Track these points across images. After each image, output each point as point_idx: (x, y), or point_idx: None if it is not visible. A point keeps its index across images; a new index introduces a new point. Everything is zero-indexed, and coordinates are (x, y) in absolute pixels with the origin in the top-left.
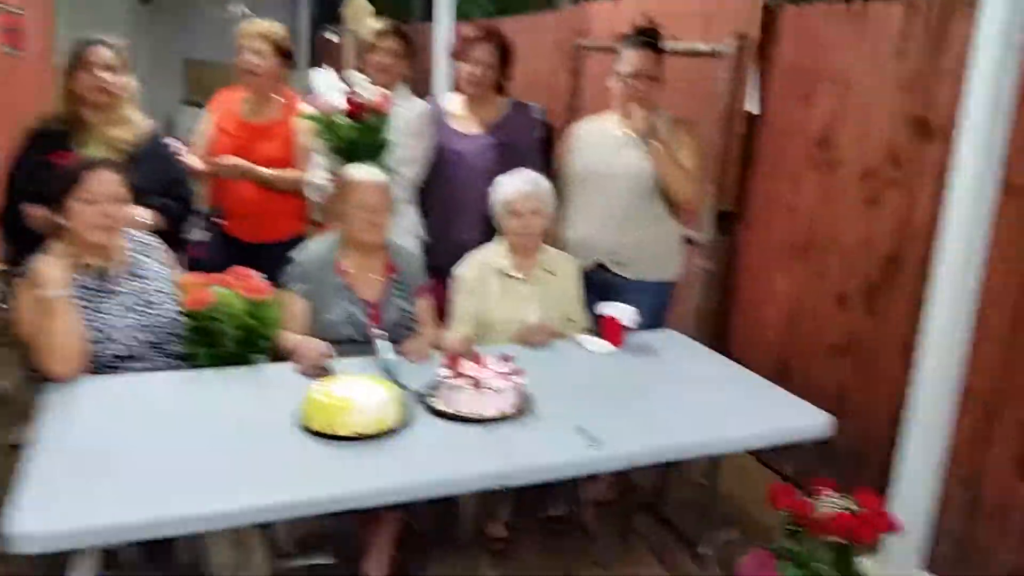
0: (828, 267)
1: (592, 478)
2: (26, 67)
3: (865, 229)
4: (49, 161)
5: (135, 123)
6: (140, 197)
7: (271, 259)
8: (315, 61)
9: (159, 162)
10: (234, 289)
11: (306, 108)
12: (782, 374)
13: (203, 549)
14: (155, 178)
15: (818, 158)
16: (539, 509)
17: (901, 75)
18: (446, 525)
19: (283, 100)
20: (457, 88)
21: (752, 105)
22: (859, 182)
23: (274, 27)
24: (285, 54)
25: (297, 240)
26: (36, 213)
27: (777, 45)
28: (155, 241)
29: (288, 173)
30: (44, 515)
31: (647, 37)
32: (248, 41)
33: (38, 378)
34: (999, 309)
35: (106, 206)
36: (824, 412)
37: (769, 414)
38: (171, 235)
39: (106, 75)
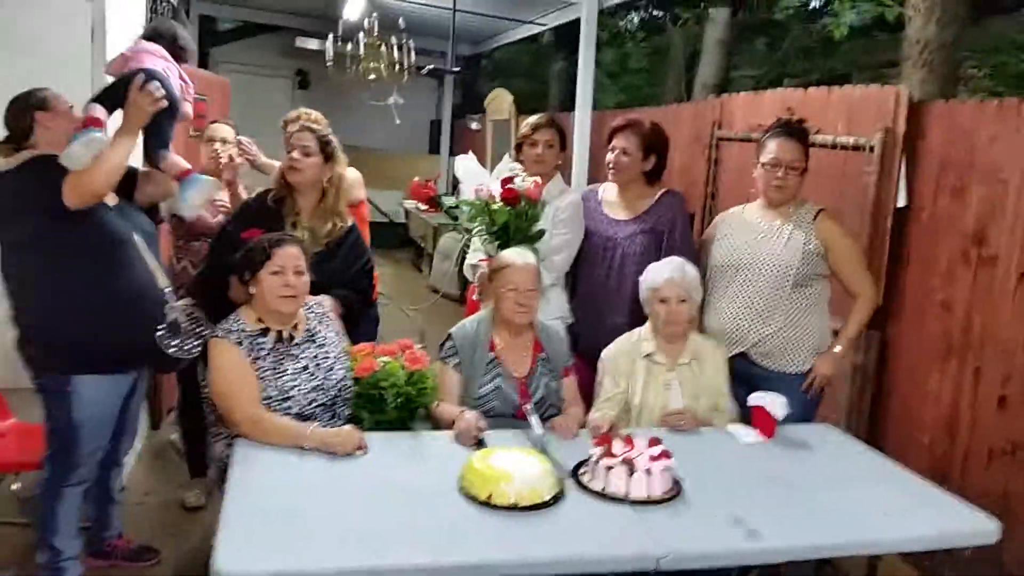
0: (987, 367)
1: (742, 572)
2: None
3: None
4: (240, 234)
5: (341, 215)
6: (327, 287)
7: None
8: (456, 148)
9: (351, 256)
10: (397, 359)
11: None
12: (940, 479)
13: None
14: (344, 270)
15: (972, 255)
16: None
17: None
18: None
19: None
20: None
21: (900, 199)
22: (1018, 281)
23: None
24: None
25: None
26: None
27: (924, 139)
28: (331, 311)
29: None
30: (244, 560)
31: (791, 129)
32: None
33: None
34: None
35: (290, 277)
36: (990, 518)
37: (930, 516)
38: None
39: (298, 156)
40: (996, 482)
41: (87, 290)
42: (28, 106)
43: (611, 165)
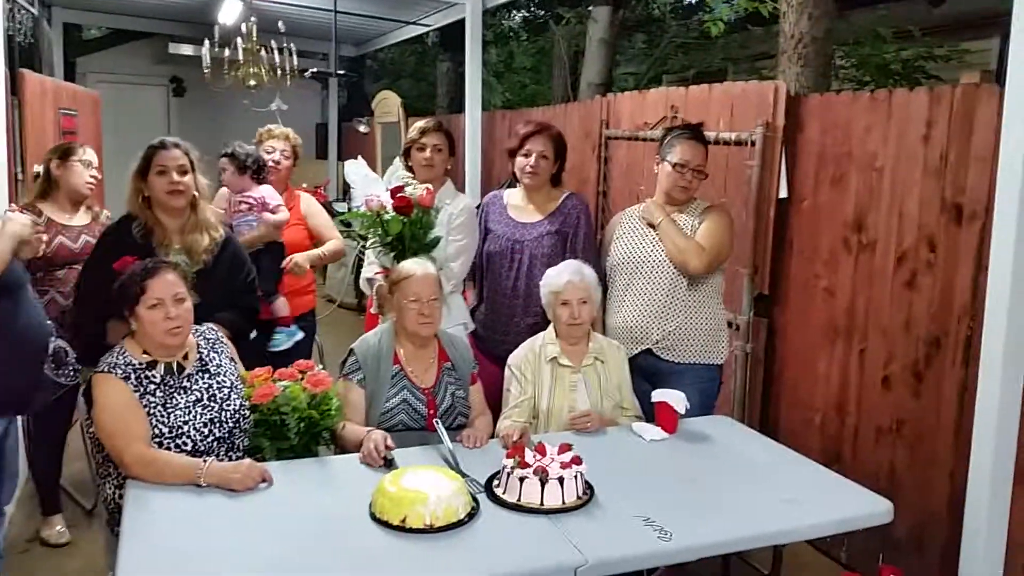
0: (871, 349)
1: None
2: None
3: (905, 311)
4: (113, 270)
5: (214, 226)
6: (209, 309)
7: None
8: (345, 152)
9: (234, 267)
10: (297, 382)
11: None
12: (832, 457)
13: None
14: (228, 284)
15: (853, 241)
16: None
17: (930, 161)
18: None
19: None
20: (515, 179)
21: (782, 190)
22: (896, 264)
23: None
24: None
25: (307, 315)
26: (117, 330)
27: (803, 132)
28: (223, 336)
29: (333, 245)
30: None
31: (697, 132)
32: (272, 142)
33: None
34: None
35: (170, 308)
36: (884, 499)
37: (829, 502)
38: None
39: (178, 177)
40: (884, 457)
41: None
42: None
43: (529, 170)
